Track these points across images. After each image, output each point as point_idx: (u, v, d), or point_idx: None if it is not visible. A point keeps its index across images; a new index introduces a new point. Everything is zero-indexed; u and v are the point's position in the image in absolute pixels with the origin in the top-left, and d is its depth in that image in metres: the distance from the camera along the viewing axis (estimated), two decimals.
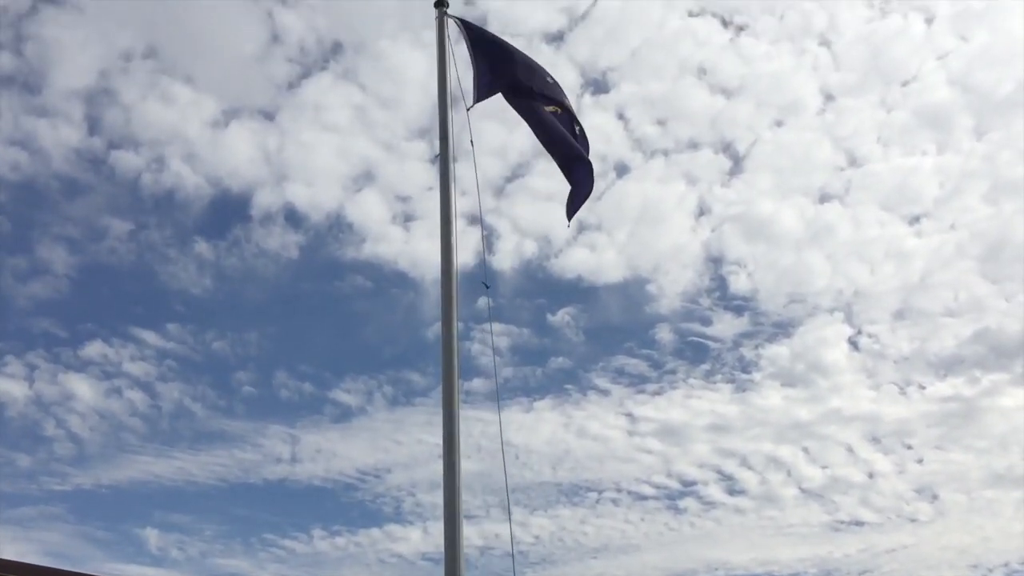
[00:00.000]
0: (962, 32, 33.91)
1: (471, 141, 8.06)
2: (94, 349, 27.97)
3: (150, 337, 28.55)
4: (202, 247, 30.82)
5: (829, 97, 34.08)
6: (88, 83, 30.24)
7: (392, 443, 29.49)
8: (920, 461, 29.57)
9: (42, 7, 30.27)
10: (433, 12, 8.54)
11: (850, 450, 29.75)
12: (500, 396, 7.39)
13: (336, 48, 33.08)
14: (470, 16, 8.78)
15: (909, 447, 29.61)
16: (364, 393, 30.02)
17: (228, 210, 31.92)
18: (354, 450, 29.08)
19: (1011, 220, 32.25)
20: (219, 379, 29.47)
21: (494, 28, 8.78)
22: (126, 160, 30.23)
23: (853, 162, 33.80)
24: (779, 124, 34.59)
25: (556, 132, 8.49)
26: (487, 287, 7.78)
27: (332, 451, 28.89)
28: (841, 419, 30.35)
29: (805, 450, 29.92)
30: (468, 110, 8.14)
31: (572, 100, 8.90)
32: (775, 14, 34.35)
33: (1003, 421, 29.80)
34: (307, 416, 29.62)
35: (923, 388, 30.63)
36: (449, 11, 8.51)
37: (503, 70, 8.45)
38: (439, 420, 6.95)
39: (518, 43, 8.82)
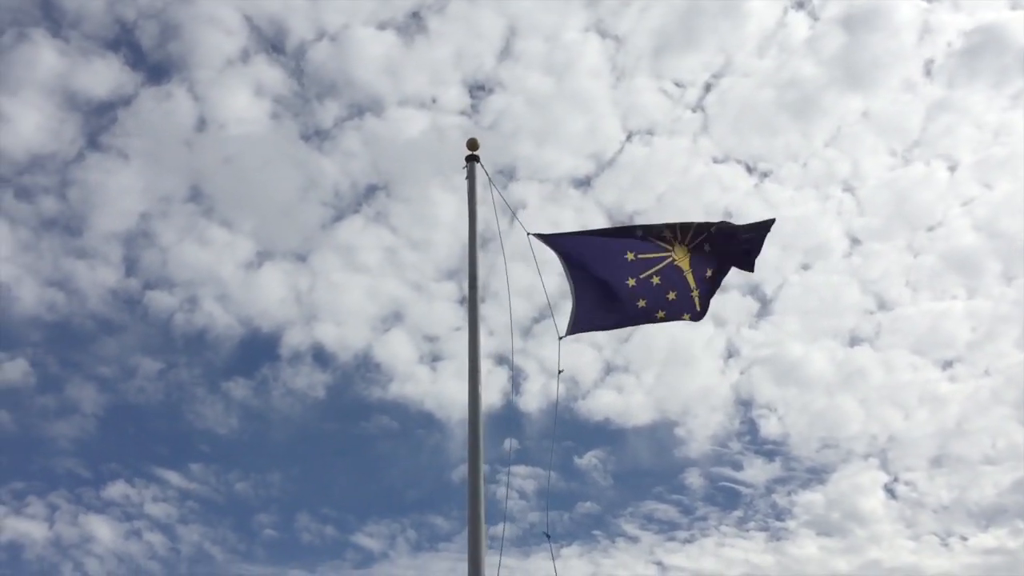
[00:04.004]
0: (985, 180, 34.31)
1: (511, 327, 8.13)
2: (116, 490, 27.70)
3: (173, 478, 28.29)
4: (230, 386, 30.93)
5: (855, 241, 34.30)
6: (128, 226, 31.15)
7: None
8: None
9: (88, 153, 31.56)
10: (463, 158, 8.85)
11: None
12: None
13: (369, 191, 34.06)
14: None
15: None
16: (387, 537, 29.32)
17: (257, 350, 32.13)
18: None
19: None
20: (240, 521, 28.93)
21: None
22: (160, 300, 30.77)
23: (882, 305, 33.65)
24: (806, 267, 34.73)
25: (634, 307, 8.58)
26: (548, 536, 7.71)
27: None
28: (881, 571, 29.07)
29: None
30: (560, 339, 8.29)
31: None
32: (798, 161, 35.06)
33: None
34: (328, 561, 28.85)
35: (965, 539, 29.41)
36: (480, 159, 8.82)
37: (600, 302, 8.59)
38: (464, 567, 6.76)
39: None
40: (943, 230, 34.49)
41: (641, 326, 8.69)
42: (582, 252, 8.65)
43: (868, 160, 34.57)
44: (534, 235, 8.59)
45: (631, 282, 8.54)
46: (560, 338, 8.25)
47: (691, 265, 8.64)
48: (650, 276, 8.60)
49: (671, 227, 8.70)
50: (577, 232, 8.81)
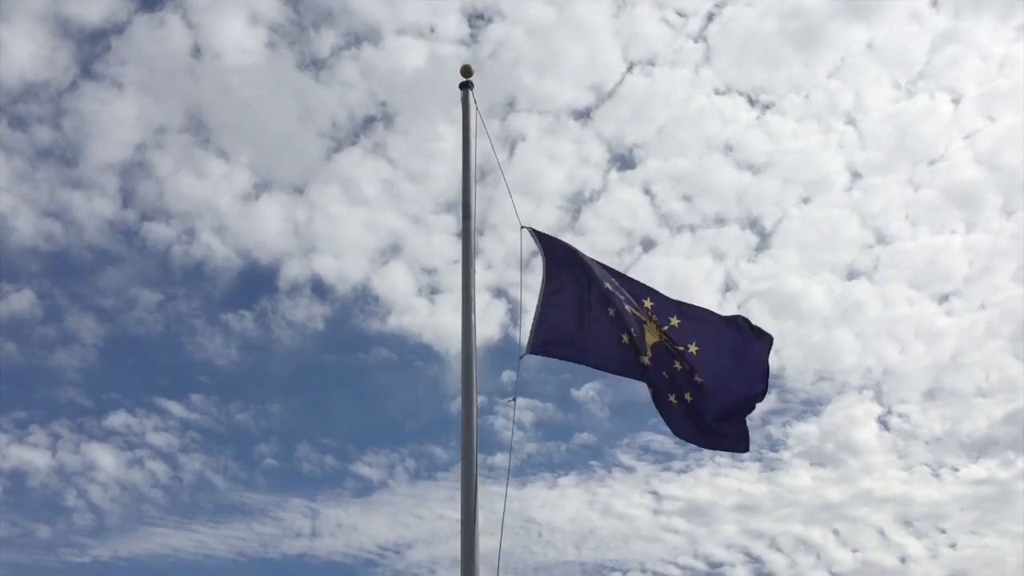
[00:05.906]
0: (989, 112, 34.07)
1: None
2: (118, 419, 28.06)
3: (174, 408, 28.63)
4: (229, 318, 31.08)
5: (856, 175, 34.19)
6: (124, 156, 31.01)
7: (413, 518, 29.10)
8: (953, 546, 28.67)
9: (82, 83, 31.26)
10: (459, 88, 8.62)
11: (882, 533, 28.96)
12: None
13: (367, 123, 33.80)
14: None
15: (943, 531, 28.79)
16: (386, 467, 29.78)
17: (256, 281, 32.28)
18: (375, 525, 28.70)
19: None
20: (241, 451, 29.39)
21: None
22: (157, 232, 30.81)
23: (881, 239, 33.71)
24: (806, 201, 34.69)
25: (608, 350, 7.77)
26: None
27: (353, 526, 28.55)
28: (872, 501, 29.64)
29: (836, 532, 29.15)
30: (520, 358, 7.42)
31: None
32: (801, 93, 34.77)
33: None
34: (328, 490, 29.38)
35: (956, 470, 29.91)
36: (475, 87, 8.55)
37: (570, 325, 7.74)
38: None
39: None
40: (944, 164, 34.40)
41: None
42: (573, 267, 7.88)
43: (871, 92, 34.33)
44: (527, 228, 7.99)
45: (611, 312, 7.77)
46: (520, 357, 7.45)
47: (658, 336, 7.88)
48: (628, 312, 7.84)
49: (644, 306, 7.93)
50: (571, 247, 8.06)
